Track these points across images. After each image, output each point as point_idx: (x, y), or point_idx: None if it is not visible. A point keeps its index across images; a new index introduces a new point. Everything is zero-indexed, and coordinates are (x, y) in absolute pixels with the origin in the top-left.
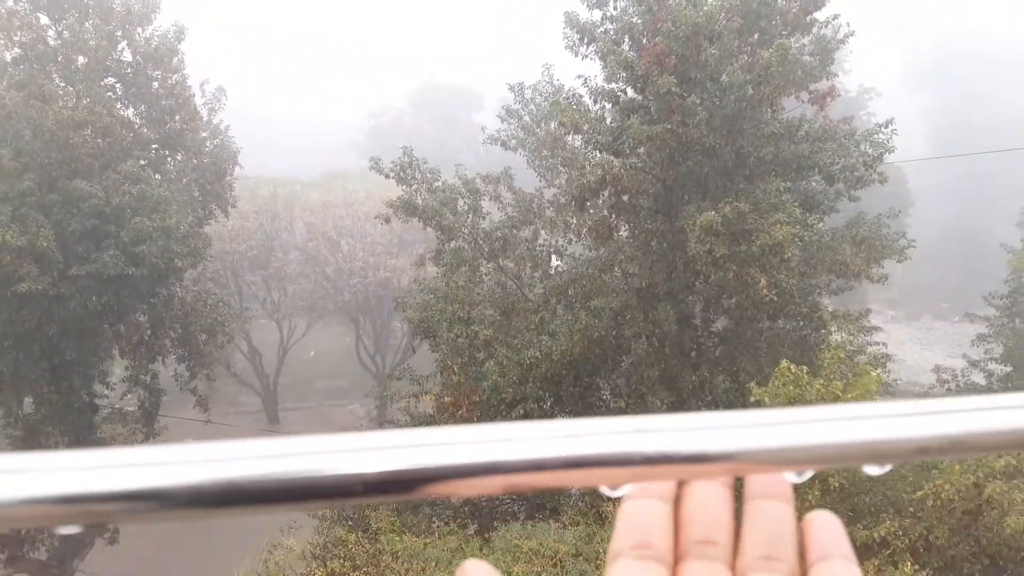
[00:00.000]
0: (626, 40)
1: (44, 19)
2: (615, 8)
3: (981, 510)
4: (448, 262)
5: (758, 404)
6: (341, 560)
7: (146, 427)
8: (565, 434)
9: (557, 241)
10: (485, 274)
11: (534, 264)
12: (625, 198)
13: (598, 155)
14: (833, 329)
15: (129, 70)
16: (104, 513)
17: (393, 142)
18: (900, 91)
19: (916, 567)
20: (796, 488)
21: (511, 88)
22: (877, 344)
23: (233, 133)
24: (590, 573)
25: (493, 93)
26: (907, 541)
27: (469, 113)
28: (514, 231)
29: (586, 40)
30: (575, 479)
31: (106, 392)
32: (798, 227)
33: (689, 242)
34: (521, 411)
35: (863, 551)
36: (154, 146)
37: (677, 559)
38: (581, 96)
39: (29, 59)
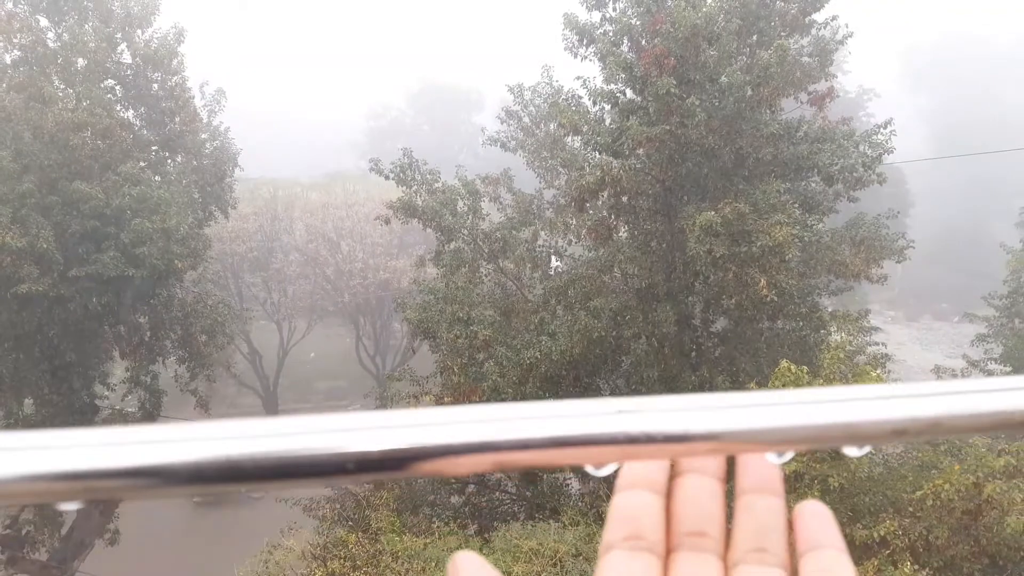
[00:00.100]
0: (625, 41)
1: (44, 21)
2: (614, 9)
3: (981, 510)
4: (448, 263)
5: None
6: (341, 560)
7: None
8: (551, 414)
9: (557, 242)
10: (485, 275)
11: (534, 265)
12: (624, 199)
13: (597, 156)
14: (833, 329)
15: (129, 72)
16: (106, 489)
17: (393, 143)
18: (899, 92)
19: (916, 567)
20: (795, 487)
21: (511, 89)
22: (877, 344)
23: (233, 135)
24: (590, 573)
25: (493, 94)
26: (907, 541)
27: (469, 114)
28: (514, 232)
29: (585, 41)
30: (560, 458)
31: (106, 393)
32: (798, 228)
33: (688, 243)
34: None
35: (863, 551)
36: (154, 148)
37: (668, 551)
38: (580, 97)
39: (29, 61)
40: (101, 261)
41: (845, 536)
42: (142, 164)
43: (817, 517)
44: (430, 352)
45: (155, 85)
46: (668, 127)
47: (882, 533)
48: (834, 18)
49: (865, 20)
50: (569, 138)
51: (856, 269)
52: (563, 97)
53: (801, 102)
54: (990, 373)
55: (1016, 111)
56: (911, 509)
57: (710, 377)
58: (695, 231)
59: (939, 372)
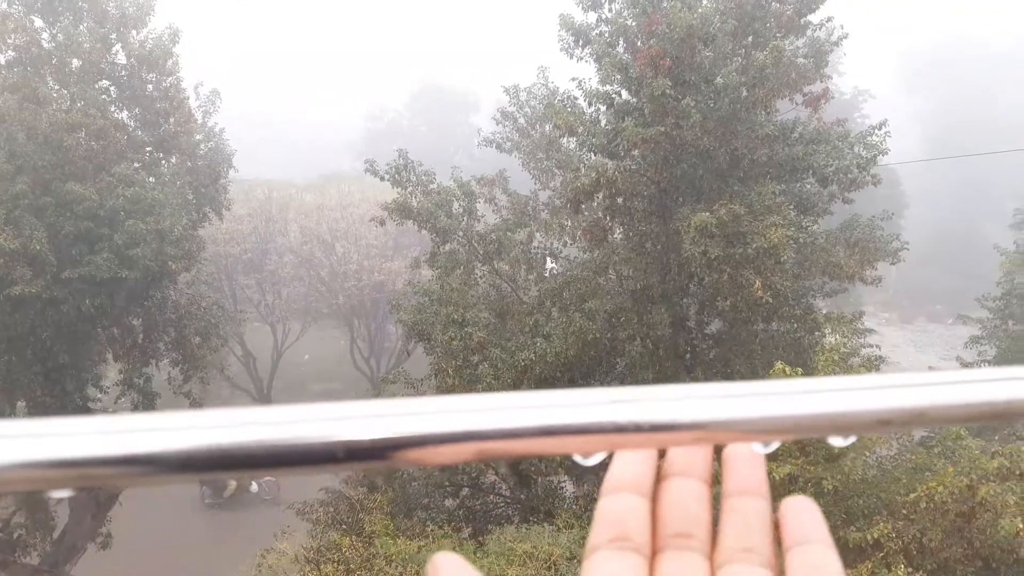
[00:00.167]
0: (621, 42)
1: (38, 22)
2: (610, 10)
3: (974, 512)
4: (443, 265)
5: None
6: (335, 564)
7: None
8: (540, 404)
9: (552, 243)
10: (480, 277)
11: (529, 266)
12: (620, 200)
13: (593, 157)
14: (827, 331)
15: (123, 73)
16: (99, 476)
17: (388, 144)
18: (894, 93)
19: (910, 569)
20: (790, 490)
21: (506, 91)
22: (871, 346)
23: (227, 136)
24: None
25: (488, 96)
26: (900, 543)
27: (464, 115)
28: (509, 233)
29: (581, 42)
30: (549, 446)
31: (99, 396)
32: (793, 229)
33: (684, 244)
34: None
35: (857, 553)
36: (148, 149)
37: (655, 552)
38: (576, 99)
39: (23, 62)
40: (94, 263)
41: (839, 539)
42: (136, 165)
43: (804, 512)
44: (425, 354)
45: (150, 86)
46: (663, 128)
47: (876, 535)
48: (829, 19)
49: (860, 22)
50: (564, 139)
51: (850, 271)
52: (559, 98)
53: (796, 103)
54: None
55: (1010, 113)
56: (905, 511)
57: (705, 379)
58: (690, 232)
59: None
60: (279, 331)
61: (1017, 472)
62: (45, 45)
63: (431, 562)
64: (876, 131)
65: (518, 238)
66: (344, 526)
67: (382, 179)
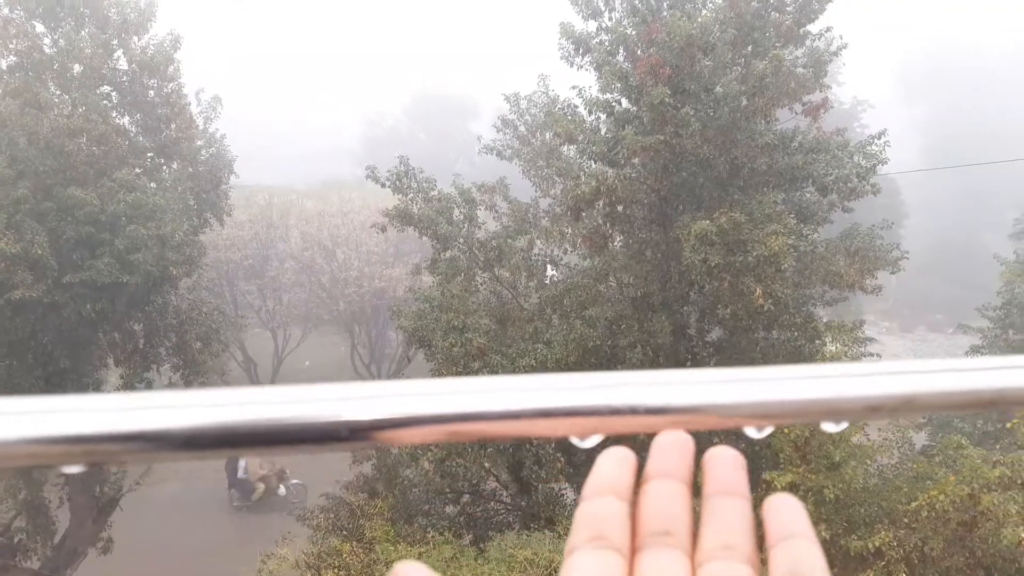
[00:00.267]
0: (621, 51)
1: (40, 27)
2: (610, 19)
3: (976, 521)
4: (443, 271)
5: None
6: (335, 570)
7: None
8: (538, 387)
9: (552, 251)
10: (480, 283)
11: (529, 273)
12: (620, 208)
13: (593, 165)
14: (828, 340)
15: (125, 78)
16: (105, 453)
17: (389, 151)
18: (893, 103)
19: None
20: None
21: (507, 98)
22: (872, 355)
23: (229, 142)
24: None
25: (489, 103)
26: (902, 552)
27: (465, 123)
28: (509, 241)
29: (581, 51)
30: (546, 428)
31: None
32: (793, 237)
33: (684, 252)
34: None
35: (858, 562)
36: (149, 154)
37: (634, 551)
38: (576, 107)
39: (25, 67)
40: (96, 267)
41: (840, 548)
42: (137, 170)
43: (787, 508)
44: (425, 360)
45: (151, 92)
46: (663, 137)
47: (877, 544)
48: (828, 29)
49: (860, 31)
50: (565, 147)
51: (850, 279)
52: (559, 106)
53: (796, 113)
54: None
55: (1010, 123)
56: (906, 520)
57: None
58: (690, 240)
59: None
60: (280, 337)
61: (1019, 481)
62: (47, 50)
63: (392, 571)
64: (875, 140)
65: (519, 245)
66: (345, 532)
67: (383, 186)
